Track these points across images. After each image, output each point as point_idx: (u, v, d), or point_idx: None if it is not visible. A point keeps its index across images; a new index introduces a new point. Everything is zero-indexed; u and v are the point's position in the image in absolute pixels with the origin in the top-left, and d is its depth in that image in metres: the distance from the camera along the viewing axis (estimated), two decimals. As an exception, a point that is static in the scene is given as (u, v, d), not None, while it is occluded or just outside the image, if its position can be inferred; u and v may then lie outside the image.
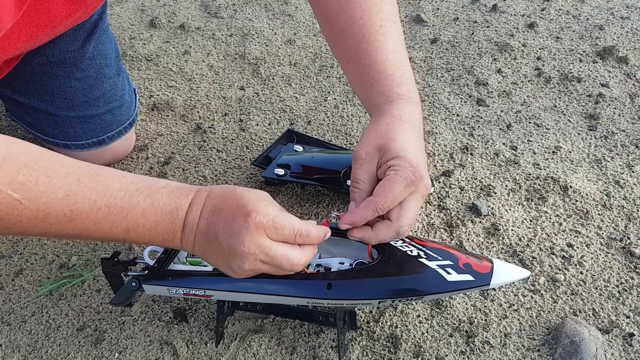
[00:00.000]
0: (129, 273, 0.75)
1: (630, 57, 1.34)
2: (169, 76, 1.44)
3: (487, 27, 1.53)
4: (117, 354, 0.82)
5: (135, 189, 0.65)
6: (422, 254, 0.71)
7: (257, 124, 1.25)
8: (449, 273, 0.69)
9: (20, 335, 0.87)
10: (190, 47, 1.55)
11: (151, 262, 0.76)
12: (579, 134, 1.15)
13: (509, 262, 0.90)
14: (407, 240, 0.75)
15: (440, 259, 0.71)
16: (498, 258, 0.91)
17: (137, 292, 0.74)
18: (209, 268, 0.76)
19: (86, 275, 0.94)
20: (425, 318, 0.83)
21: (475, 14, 1.60)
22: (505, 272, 0.71)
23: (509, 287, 0.86)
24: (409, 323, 0.82)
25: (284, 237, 0.66)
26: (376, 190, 0.70)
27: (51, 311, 0.90)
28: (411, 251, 0.72)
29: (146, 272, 0.74)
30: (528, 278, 0.87)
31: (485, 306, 0.84)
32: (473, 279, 0.69)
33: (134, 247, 0.98)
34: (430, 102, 1.27)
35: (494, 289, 0.86)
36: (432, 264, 0.70)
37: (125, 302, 0.75)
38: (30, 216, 0.61)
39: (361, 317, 0.84)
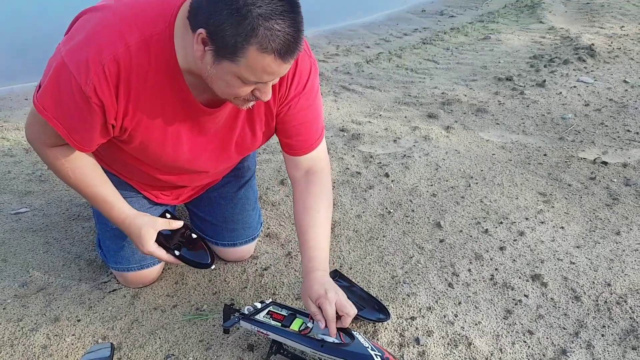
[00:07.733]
0: (235, 314, 1.61)
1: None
2: (282, 219, 2.36)
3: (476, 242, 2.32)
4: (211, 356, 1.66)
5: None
6: (372, 346, 1.50)
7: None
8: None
9: (173, 337, 1.73)
10: (299, 203, 2.47)
11: (247, 313, 1.62)
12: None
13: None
14: (377, 346, 1.53)
15: (379, 353, 1.49)
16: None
17: (237, 325, 1.59)
18: (273, 323, 1.59)
19: (210, 316, 1.81)
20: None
21: (480, 236, 2.39)
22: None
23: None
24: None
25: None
26: (325, 314, 1.49)
27: (186, 329, 1.76)
28: (369, 347, 1.51)
29: (242, 316, 1.60)
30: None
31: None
32: (386, 366, 1.47)
33: (240, 302, 1.84)
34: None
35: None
36: (372, 352, 1.49)
37: (230, 327, 1.60)
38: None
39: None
